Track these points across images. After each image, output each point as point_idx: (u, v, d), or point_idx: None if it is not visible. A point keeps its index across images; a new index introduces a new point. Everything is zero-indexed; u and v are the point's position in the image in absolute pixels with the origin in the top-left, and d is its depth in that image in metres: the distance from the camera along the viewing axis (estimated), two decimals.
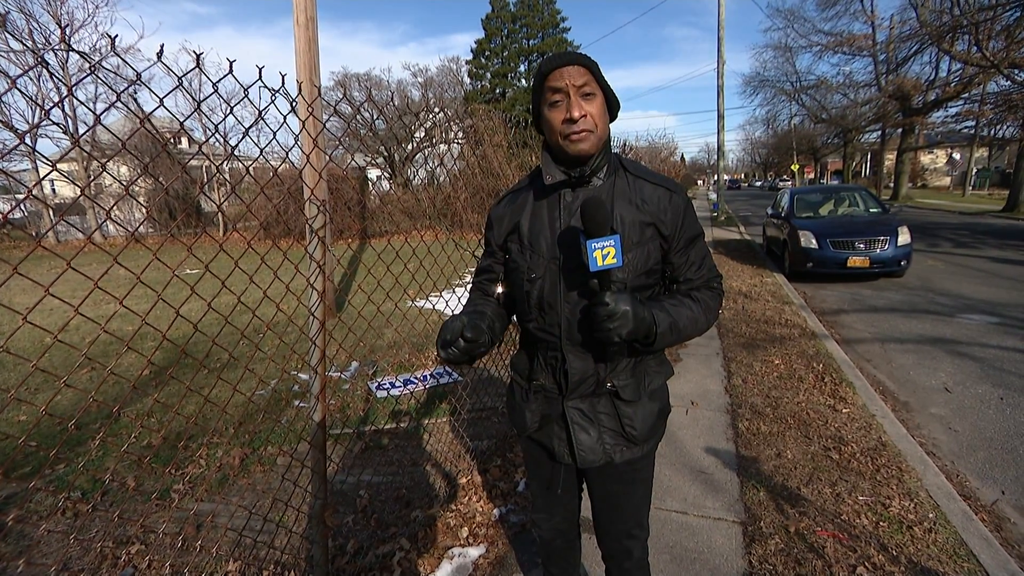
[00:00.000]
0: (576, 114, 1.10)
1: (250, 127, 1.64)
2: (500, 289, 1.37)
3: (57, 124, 16.12)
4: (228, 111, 1.62)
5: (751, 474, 2.71)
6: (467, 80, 31.23)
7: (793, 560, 2.06)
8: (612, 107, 1.18)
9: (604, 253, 1.03)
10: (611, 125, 1.20)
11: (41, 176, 1.52)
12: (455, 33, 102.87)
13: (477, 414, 3.44)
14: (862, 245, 7.45)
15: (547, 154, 1.20)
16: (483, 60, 30.14)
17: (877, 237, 7.46)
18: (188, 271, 9.28)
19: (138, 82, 1.30)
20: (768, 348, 4.70)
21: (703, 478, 2.70)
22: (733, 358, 4.50)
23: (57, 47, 15.33)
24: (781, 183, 49.30)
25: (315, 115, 1.73)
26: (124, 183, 1.26)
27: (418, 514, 2.37)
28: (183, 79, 1.41)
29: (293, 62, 5.46)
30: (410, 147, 21.48)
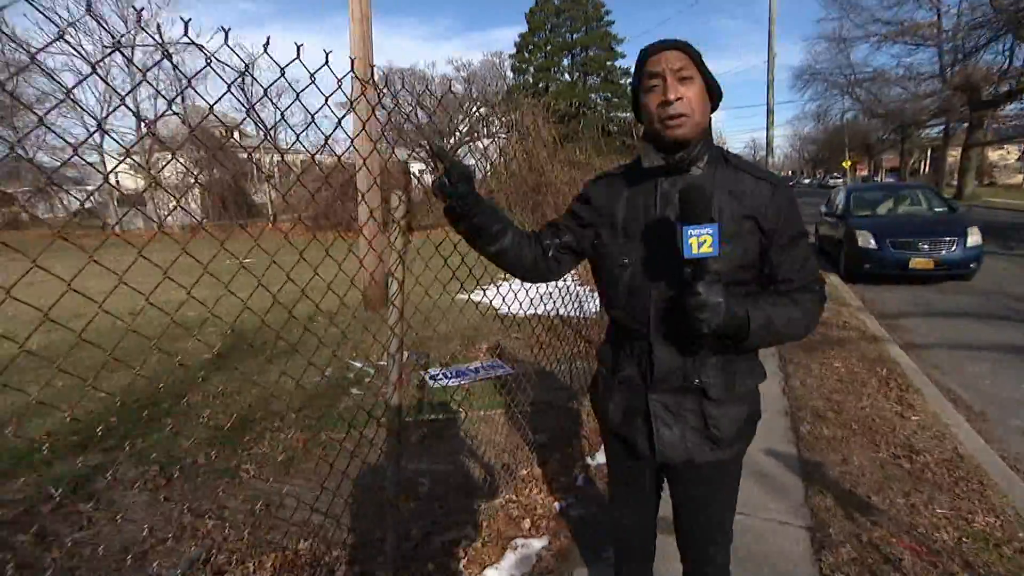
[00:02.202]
0: (672, 96, 1.08)
1: (315, 113, 1.63)
2: (549, 241, 1.34)
3: (131, 109, 17.03)
4: (295, 97, 1.62)
5: (815, 479, 2.62)
6: (510, 74, 31.24)
7: (868, 571, 1.99)
8: (714, 96, 1.17)
9: (700, 241, 1.01)
10: None
11: (110, 167, 1.60)
12: (498, 27, 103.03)
13: (534, 407, 3.44)
14: (926, 246, 7.07)
15: (646, 142, 1.19)
16: (526, 54, 30.10)
17: (944, 238, 7.07)
18: (244, 261, 9.67)
19: (209, 66, 1.34)
20: (827, 350, 4.53)
21: (765, 480, 2.63)
22: (790, 359, 4.36)
23: (129, 33, 16.14)
24: (832, 181, 47.23)
25: (382, 105, 1.77)
26: (193, 174, 1.32)
27: (480, 503, 2.40)
28: (250, 67, 1.46)
29: (346, 57, 5.56)
30: (454, 140, 21.69)
